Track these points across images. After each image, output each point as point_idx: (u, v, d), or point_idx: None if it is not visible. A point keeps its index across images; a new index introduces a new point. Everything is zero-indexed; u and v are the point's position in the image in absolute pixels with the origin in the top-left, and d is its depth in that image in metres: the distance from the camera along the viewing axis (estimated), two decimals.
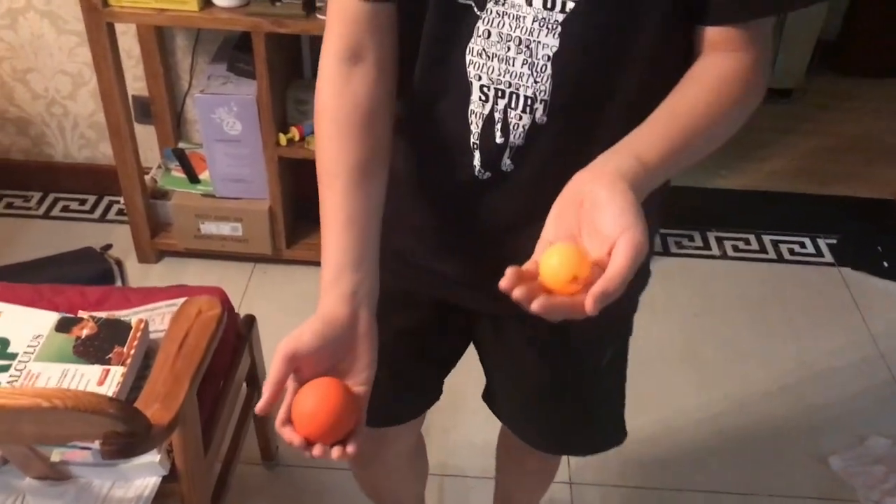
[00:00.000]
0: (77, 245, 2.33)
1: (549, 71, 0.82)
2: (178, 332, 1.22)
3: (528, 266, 0.70)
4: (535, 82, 0.83)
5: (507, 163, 0.88)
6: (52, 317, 1.34)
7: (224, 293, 1.46)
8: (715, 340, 2.18)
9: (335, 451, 0.75)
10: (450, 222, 0.98)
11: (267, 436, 1.77)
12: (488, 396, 1.24)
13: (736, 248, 2.50)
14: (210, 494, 1.37)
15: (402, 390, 1.16)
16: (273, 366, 0.76)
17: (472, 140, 0.88)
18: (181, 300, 1.34)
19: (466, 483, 1.80)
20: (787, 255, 2.48)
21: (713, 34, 0.80)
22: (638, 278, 1.09)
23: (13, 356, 1.26)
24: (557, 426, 1.21)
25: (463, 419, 1.87)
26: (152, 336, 1.34)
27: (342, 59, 0.85)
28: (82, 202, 2.55)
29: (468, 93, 0.86)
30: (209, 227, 2.22)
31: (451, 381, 1.20)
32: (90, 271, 2.25)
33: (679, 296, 2.30)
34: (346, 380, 0.80)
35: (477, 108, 0.86)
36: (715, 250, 2.49)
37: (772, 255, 2.48)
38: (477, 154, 0.89)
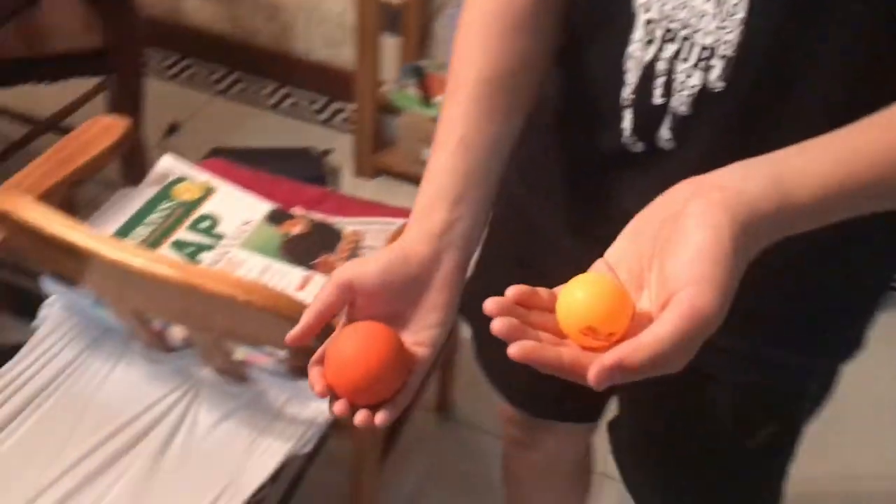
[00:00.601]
0: (297, 144, 2.28)
1: (741, 14, 0.58)
2: None
3: (558, 290, 0.52)
4: (719, 28, 0.60)
5: (665, 135, 0.66)
6: (266, 206, 1.25)
7: None
8: None
9: (359, 416, 0.57)
10: (587, 196, 0.77)
11: (447, 386, 1.64)
12: (612, 424, 1.00)
13: None
14: (382, 434, 1.25)
15: (545, 379, 0.96)
16: (321, 291, 0.59)
17: (624, 94, 0.67)
18: (400, 221, 1.21)
19: None
20: None
21: None
22: (839, 346, 0.78)
23: (220, 237, 1.17)
24: (673, 499, 0.94)
25: None
26: (363, 252, 1.22)
27: None
28: (312, 101, 2.50)
29: (629, 28, 0.64)
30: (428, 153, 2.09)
31: None
32: (304, 173, 2.18)
33: None
34: (406, 333, 0.61)
35: (637, 52, 0.65)
36: None
37: None
38: (628, 115, 0.67)
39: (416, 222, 0.63)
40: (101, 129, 1.22)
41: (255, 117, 2.43)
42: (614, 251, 0.54)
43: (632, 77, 0.66)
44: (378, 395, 0.57)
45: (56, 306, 1.20)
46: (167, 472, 1.05)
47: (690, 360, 0.47)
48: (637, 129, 0.68)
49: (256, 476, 1.04)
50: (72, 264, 1.01)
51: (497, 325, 0.49)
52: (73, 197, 1.17)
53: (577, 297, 0.50)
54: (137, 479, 1.03)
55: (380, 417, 0.57)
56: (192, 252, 1.14)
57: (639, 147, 0.69)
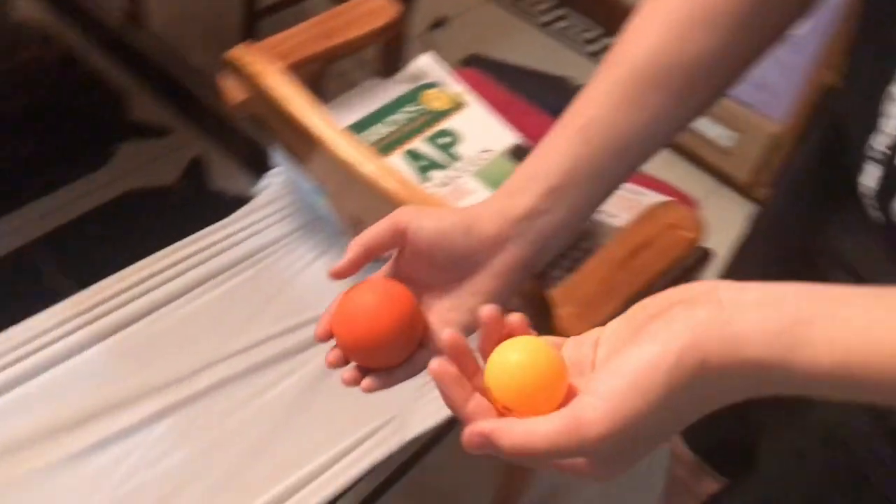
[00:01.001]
0: (555, 70, 2.14)
1: None
2: (636, 236, 0.95)
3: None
4: None
5: None
6: (510, 139, 1.14)
7: (698, 213, 1.16)
8: None
9: (346, 372, 0.54)
10: (827, 232, 0.66)
11: None
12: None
13: None
14: None
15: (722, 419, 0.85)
16: (375, 226, 0.54)
17: (871, 140, 0.53)
18: (653, 196, 1.07)
19: None
20: None
21: None
22: None
23: (455, 159, 1.08)
24: None
25: None
26: (603, 218, 1.09)
27: None
28: (586, 29, 2.34)
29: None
30: (700, 122, 1.90)
31: None
32: (553, 102, 2.04)
33: None
34: (437, 306, 0.55)
35: None
36: None
37: None
38: (871, 170, 0.54)
39: (498, 196, 0.57)
40: (369, 10, 1.15)
41: (522, 31, 2.31)
42: (610, 326, 0.47)
43: (888, 125, 0.51)
44: (375, 359, 0.54)
45: (279, 178, 1.17)
46: (337, 383, 1.00)
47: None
48: (878, 191, 0.53)
49: (422, 421, 0.97)
50: (302, 146, 0.95)
51: (432, 365, 0.45)
52: (326, 69, 1.12)
53: (495, 357, 0.45)
54: (307, 381, 1.00)
55: (366, 383, 0.54)
56: (424, 167, 1.06)
57: (876, 214, 0.55)
